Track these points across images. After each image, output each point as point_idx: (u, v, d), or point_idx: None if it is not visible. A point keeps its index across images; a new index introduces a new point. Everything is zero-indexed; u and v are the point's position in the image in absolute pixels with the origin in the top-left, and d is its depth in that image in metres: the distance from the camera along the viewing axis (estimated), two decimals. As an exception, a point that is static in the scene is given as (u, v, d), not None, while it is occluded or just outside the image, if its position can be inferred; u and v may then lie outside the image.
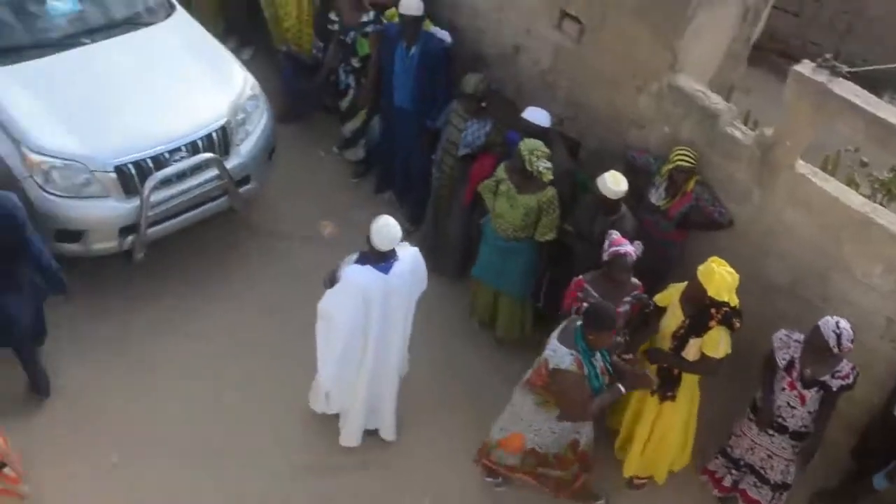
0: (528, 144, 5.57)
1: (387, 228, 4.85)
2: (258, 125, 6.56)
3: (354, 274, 4.89)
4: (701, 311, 4.96)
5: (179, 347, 6.08)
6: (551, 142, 5.84)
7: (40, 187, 5.74)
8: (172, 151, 6.01)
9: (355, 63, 6.98)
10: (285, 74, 7.43)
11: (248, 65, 6.95)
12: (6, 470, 4.93)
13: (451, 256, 6.56)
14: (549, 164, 5.55)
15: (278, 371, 5.96)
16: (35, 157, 5.72)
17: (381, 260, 4.91)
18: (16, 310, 5.12)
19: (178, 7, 6.93)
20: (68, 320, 5.99)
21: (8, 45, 6.17)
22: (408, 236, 6.06)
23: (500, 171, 5.81)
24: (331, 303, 4.99)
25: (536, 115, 5.91)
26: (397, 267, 4.96)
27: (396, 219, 4.92)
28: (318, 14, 7.29)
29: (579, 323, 4.70)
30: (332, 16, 6.99)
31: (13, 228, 4.82)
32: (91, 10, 6.58)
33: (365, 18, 6.82)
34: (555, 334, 4.77)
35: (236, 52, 7.20)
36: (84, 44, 6.37)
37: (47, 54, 6.20)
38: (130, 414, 5.70)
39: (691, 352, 5.06)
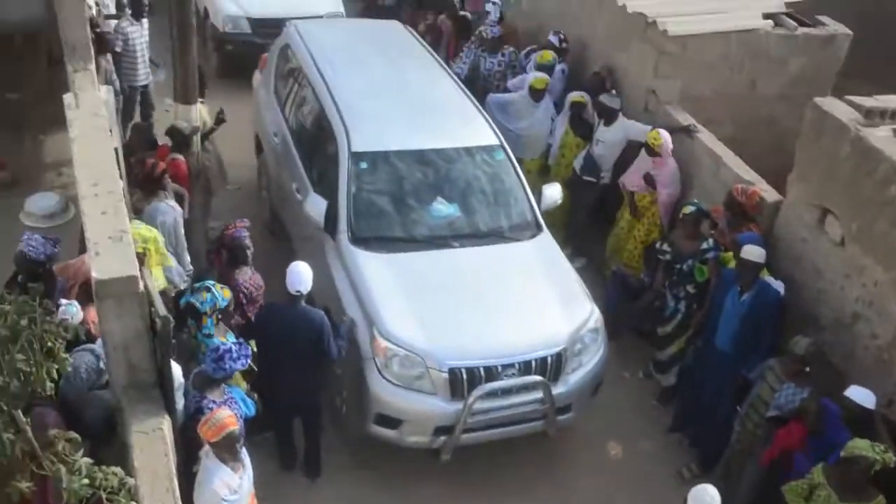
0: (861, 445, 5.07)
1: (701, 493, 4.82)
2: (592, 359, 6.62)
3: None
4: None
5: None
6: (873, 425, 5.49)
7: (378, 370, 6.14)
8: (506, 366, 6.18)
9: (691, 289, 7.08)
10: (611, 292, 7.75)
11: (578, 274, 7.22)
12: None
13: (738, 514, 6.26)
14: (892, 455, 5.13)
15: None
16: (382, 343, 6.13)
17: None
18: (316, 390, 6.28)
19: (545, 229, 7.31)
20: (354, 482, 6.49)
21: (387, 235, 6.89)
22: (693, 480, 6.04)
23: (818, 475, 5.27)
24: None
25: (861, 396, 5.53)
26: None
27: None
28: (650, 245, 7.64)
29: None
30: (665, 247, 7.26)
31: (319, 341, 6.03)
32: (466, 217, 7.14)
33: (704, 246, 7.00)
34: None
35: (570, 258, 7.52)
36: (452, 247, 6.90)
37: (417, 249, 6.77)
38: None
39: None
